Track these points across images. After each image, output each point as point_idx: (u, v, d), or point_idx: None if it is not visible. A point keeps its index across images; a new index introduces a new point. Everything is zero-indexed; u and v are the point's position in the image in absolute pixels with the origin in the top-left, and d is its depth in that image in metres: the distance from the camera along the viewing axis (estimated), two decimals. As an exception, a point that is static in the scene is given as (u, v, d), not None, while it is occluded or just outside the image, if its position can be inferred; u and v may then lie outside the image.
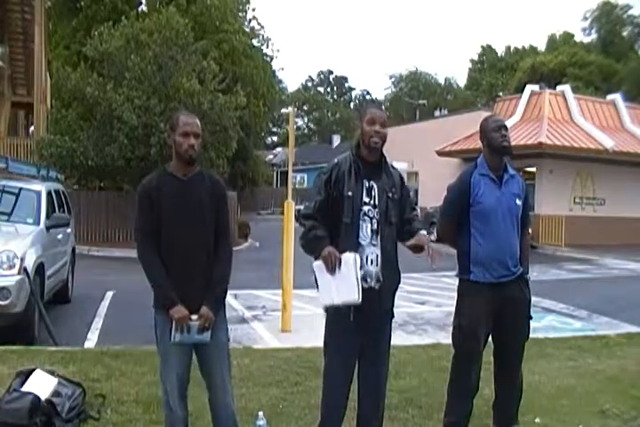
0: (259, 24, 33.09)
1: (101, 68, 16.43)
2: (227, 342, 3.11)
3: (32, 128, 24.07)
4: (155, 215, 2.93)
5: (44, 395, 3.59)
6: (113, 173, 16.68)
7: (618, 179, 21.28)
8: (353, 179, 3.07)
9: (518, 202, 3.58)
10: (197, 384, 3.13)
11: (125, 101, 15.11)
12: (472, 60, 65.67)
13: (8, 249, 5.89)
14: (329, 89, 79.05)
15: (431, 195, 18.83)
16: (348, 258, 2.91)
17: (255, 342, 6.35)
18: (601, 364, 5.57)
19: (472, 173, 3.58)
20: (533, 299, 3.70)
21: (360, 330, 3.03)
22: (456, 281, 3.68)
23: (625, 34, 50.84)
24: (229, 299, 3.10)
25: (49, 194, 7.71)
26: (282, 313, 7.01)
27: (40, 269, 6.42)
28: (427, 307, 8.93)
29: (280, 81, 51.49)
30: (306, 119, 74.83)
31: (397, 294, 3.20)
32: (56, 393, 3.71)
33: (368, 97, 76.69)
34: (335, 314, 3.03)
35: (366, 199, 3.07)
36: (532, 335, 3.70)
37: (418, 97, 60.73)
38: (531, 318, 3.63)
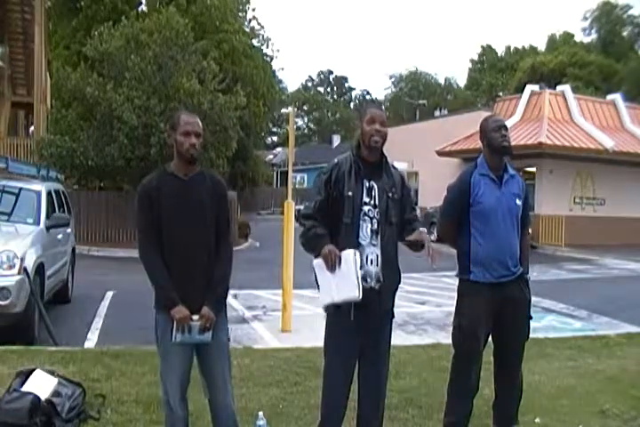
0: (259, 24, 33.15)
1: (101, 68, 16.43)
2: (228, 343, 3.10)
3: (32, 128, 24.07)
4: (155, 215, 2.93)
5: (44, 395, 3.59)
6: (113, 173, 16.69)
7: (618, 179, 21.27)
8: (353, 179, 3.07)
9: (518, 202, 3.58)
10: (197, 384, 3.13)
11: (125, 101, 15.12)
12: (472, 60, 65.73)
13: (8, 249, 5.89)
14: (329, 89, 79.07)
15: (431, 195, 18.82)
16: (348, 255, 2.91)
17: (255, 342, 6.35)
18: (601, 364, 5.57)
19: (472, 173, 3.58)
20: (533, 299, 3.70)
21: (360, 330, 3.03)
22: (456, 281, 3.68)
23: (625, 34, 50.85)
24: (229, 299, 3.10)
25: (49, 194, 7.71)
26: (282, 313, 7.01)
27: (40, 269, 6.42)
28: (427, 307, 8.93)
29: (280, 81, 51.55)
30: (306, 119, 74.85)
31: (397, 294, 3.20)
32: (56, 393, 3.71)
33: (368, 97, 76.72)
34: (335, 314, 3.03)
35: (366, 199, 3.07)
36: (532, 335, 3.70)
37: (418, 97, 60.73)
38: (531, 318, 3.63)
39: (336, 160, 3.17)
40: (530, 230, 3.92)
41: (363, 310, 2.99)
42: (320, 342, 3.21)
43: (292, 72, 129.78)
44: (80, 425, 3.72)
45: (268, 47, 32.56)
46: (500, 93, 49.35)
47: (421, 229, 3.11)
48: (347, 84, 78.93)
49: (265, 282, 9.99)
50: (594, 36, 52.39)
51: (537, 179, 20.68)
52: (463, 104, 52.39)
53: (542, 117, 21.30)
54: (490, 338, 3.60)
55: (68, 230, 8.58)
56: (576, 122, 21.67)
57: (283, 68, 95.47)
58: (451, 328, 3.67)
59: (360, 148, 3.14)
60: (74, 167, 16.08)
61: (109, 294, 9.15)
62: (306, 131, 74.49)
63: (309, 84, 77.77)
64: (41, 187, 7.74)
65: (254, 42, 29.81)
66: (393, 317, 3.20)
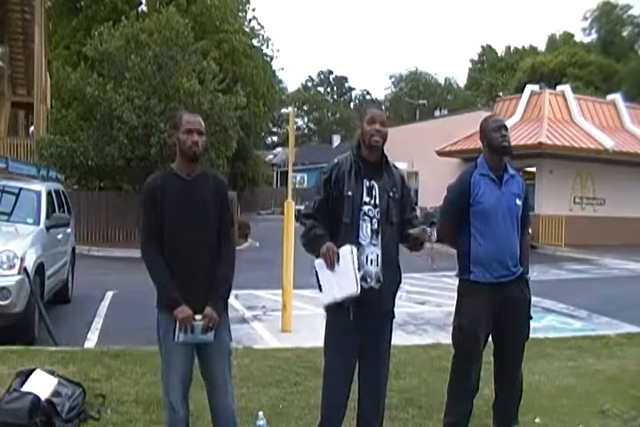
0: (259, 24, 33.11)
1: (101, 68, 16.43)
2: (229, 343, 3.11)
3: (32, 128, 24.06)
4: (158, 214, 2.93)
5: (44, 395, 3.59)
6: (113, 173, 16.69)
7: (618, 179, 21.27)
8: (353, 179, 3.07)
9: (518, 202, 3.58)
10: (197, 384, 3.13)
11: (125, 101, 15.12)
12: (472, 60, 65.73)
13: (8, 249, 5.89)
14: (329, 89, 79.08)
15: (431, 195, 18.79)
16: (345, 251, 2.91)
17: (255, 342, 6.35)
18: (601, 364, 5.57)
19: (472, 173, 3.58)
20: (533, 299, 3.70)
21: (360, 330, 3.03)
22: (456, 281, 3.67)
23: (625, 34, 50.84)
24: (230, 299, 3.10)
25: (49, 194, 7.72)
26: (282, 313, 7.01)
27: (40, 269, 6.42)
28: (427, 307, 8.93)
29: (280, 81, 51.51)
30: (306, 119, 74.85)
31: (397, 294, 3.19)
32: (56, 393, 3.71)
33: (368, 97, 76.73)
34: (335, 314, 3.03)
35: (367, 199, 3.07)
36: (532, 335, 3.70)
37: (418, 97, 60.73)
38: (531, 318, 3.63)
39: (336, 160, 3.17)
40: (530, 230, 3.92)
41: (363, 310, 2.99)
42: (320, 342, 3.21)
43: (292, 72, 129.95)
44: (80, 425, 3.72)
45: (267, 47, 32.57)
46: (500, 93, 49.36)
47: (428, 229, 3.11)
48: (347, 84, 78.99)
49: (265, 282, 9.99)
50: (594, 36, 52.46)
51: (537, 179, 20.68)
52: (463, 104, 52.40)
53: (542, 117, 21.30)
54: (490, 338, 3.60)
55: (68, 230, 8.58)
56: (576, 122, 21.67)
57: (283, 68, 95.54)
58: (451, 328, 3.67)
59: (360, 147, 3.14)
60: (74, 167, 16.08)
61: (109, 294, 9.15)
62: (306, 131, 74.49)
63: (309, 84, 77.82)
64: (41, 187, 7.74)
65: (254, 42, 29.80)
66: (393, 317, 3.20)
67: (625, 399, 4.46)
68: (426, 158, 23.95)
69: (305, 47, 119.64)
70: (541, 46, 57.12)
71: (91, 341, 6.41)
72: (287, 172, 7.64)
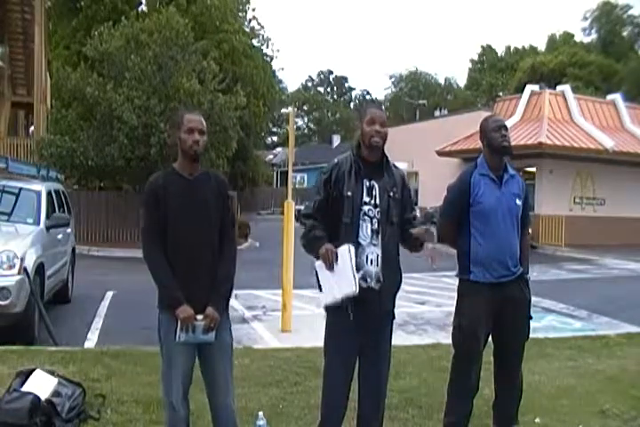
0: (259, 24, 33.12)
1: (101, 68, 16.43)
2: (231, 343, 3.11)
3: (32, 128, 24.06)
4: (160, 214, 2.93)
5: (44, 395, 3.59)
6: (113, 173, 16.70)
7: (618, 179, 21.27)
8: (353, 179, 3.06)
9: (518, 202, 3.58)
10: (197, 384, 3.13)
11: (125, 101, 15.12)
12: (472, 60, 65.74)
13: (8, 249, 5.89)
14: (329, 89, 79.08)
15: (431, 195, 18.82)
16: (343, 251, 2.91)
17: (255, 342, 6.35)
18: (601, 364, 5.57)
19: (472, 173, 3.58)
20: (533, 299, 3.70)
21: (360, 330, 3.03)
22: (456, 281, 3.67)
23: (625, 34, 50.84)
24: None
25: (49, 194, 7.72)
26: (282, 313, 7.01)
27: (40, 269, 6.42)
28: (427, 307, 8.93)
29: (280, 81, 51.53)
30: (306, 119, 74.85)
31: (397, 294, 3.19)
32: (56, 393, 3.71)
33: (368, 97, 76.74)
34: (335, 314, 3.03)
35: (367, 199, 3.06)
36: (532, 335, 3.70)
37: (418, 97, 60.73)
38: (531, 318, 3.63)
39: (336, 160, 3.17)
40: (530, 230, 3.92)
41: (362, 310, 2.99)
42: (320, 342, 3.21)
43: (292, 72, 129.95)
44: (80, 425, 3.72)
45: (267, 47, 32.59)
46: (500, 93, 49.35)
47: (430, 228, 3.11)
48: (347, 84, 78.99)
49: (265, 282, 9.99)
50: (594, 36, 52.46)
51: (537, 179, 20.68)
52: (463, 104, 52.40)
53: (542, 117, 21.30)
54: (490, 338, 3.60)
55: (68, 230, 8.58)
56: (576, 122, 21.67)
57: (283, 68, 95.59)
58: (451, 328, 3.67)
59: (360, 148, 3.14)
60: (74, 167, 16.08)
61: (109, 294, 9.15)
62: (306, 131, 74.49)
63: (309, 84, 77.82)
64: (41, 187, 7.74)
65: (254, 42, 29.81)
66: (394, 318, 3.20)
67: (625, 399, 4.46)
68: (426, 158, 23.95)
69: (305, 47, 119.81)
70: (541, 46, 57.23)
71: (91, 341, 6.41)
72: (287, 172, 7.64)
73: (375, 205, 3.06)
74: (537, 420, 4.03)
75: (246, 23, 29.79)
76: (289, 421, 3.94)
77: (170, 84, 15.73)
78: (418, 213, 3.34)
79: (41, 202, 7.33)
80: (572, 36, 54.44)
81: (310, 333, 6.10)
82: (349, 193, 3.04)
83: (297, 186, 39.85)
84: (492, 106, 26.30)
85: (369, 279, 3.01)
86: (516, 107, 22.59)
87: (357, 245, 3.00)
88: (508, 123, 16.87)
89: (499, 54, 63.05)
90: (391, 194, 3.10)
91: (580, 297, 9.84)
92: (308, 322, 6.70)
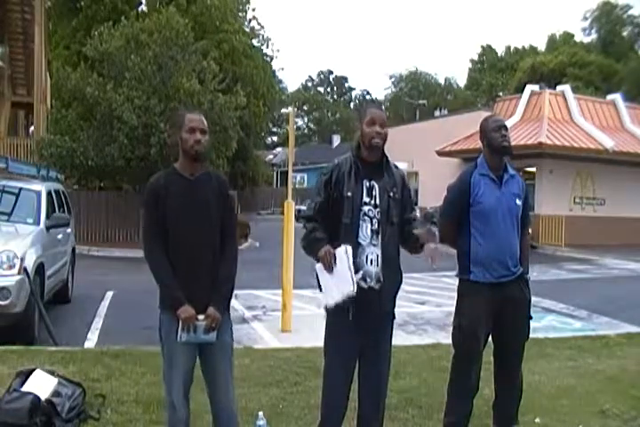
0: (259, 24, 33.15)
1: (101, 68, 16.43)
2: (232, 343, 3.11)
3: (32, 128, 24.07)
4: (161, 214, 2.93)
5: (44, 395, 3.59)
6: (113, 173, 16.69)
7: (618, 179, 21.27)
8: (353, 179, 3.06)
9: (518, 202, 3.58)
10: (198, 385, 3.13)
11: (125, 101, 15.12)
12: (472, 60, 65.74)
13: (8, 249, 5.89)
14: (329, 89, 79.08)
15: (431, 195, 18.80)
16: (341, 251, 2.91)
17: (255, 342, 6.35)
18: (601, 364, 5.57)
19: (472, 173, 3.59)
20: (533, 299, 3.70)
21: (360, 330, 3.03)
22: (456, 281, 3.68)
23: (625, 34, 50.85)
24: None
25: (49, 194, 7.72)
26: (282, 313, 7.01)
27: (40, 269, 6.42)
28: (427, 307, 8.93)
29: (280, 81, 51.53)
30: (306, 119, 74.86)
31: (398, 294, 3.19)
32: (56, 393, 3.71)
33: (368, 97, 76.74)
34: (335, 314, 3.03)
35: (367, 199, 3.06)
36: (532, 335, 3.70)
37: (418, 97, 60.73)
38: (531, 318, 3.63)
39: (336, 161, 3.17)
40: (530, 230, 3.93)
41: (362, 310, 2.99)
42: (320, 342, 3.21)
43: (292, 72, 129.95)
44: (80, 425, 3.72)
45: (267, 47, 32.60)
46: (500, 93, 49.36)
47: (433, 229, 3.10)
48: (347, 84, 79.00)
49: (265, 282, 9.98)
50: (594, 36, 52.47)
51: (537, 179, 20.68)
52: (463, 104, 52.40)
53: (542, 117, 21.30)
54: (490, 338, 3.60)
55: (68, 230, 8.58)
56: (576, 122, 21.67)
57: (283, 68, 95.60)
58: (451, 328, 3.67)
59: (360, 148, 3.14)
60: (74, 167, 16.08)
61: (109, 294, 9.15)
62: (306, 131, 74.50)
63: (309, 84, 77.83)
64: (41, 187, 7.75)
65: (254, 42, 29.82)
66: (394, 318, 3.20)
67: (625, 399, 4.46)
68: (426, 158, 23.95)
69: (305, 47, 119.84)
70: (541, 46, 57.23)
71: (91, 341, 6.41)
72: (287, 172, 7.64)
73: (375, 206, 3.06)
74: (537, 420, 4.03)
75: (246, 23, 29.83)
76: (289, 421, 3.94)
77: (170, 84, 15.73)
78: (418, 213, 3.34)
79: (41, 202, 7.33)
80: (572, 36, 54.47)
81: (310, 333, 6.10)
82: (349, 194, 3.04)
83: (297, 186, 39.88)
84: (492, 106, 26.30)
85: (369, 279, 3.01)
86: (516, 107, 22.59)
87: (357, 246, 3.00)
88: (508, 123, 16.86)
89: (499, 54, 63.07)
90: (391, 194, 3.10)
91: (580, 297, 9.84)
92: (308, 322, 6.70)
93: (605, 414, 4.17)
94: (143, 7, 25.24)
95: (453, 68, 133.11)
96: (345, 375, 3.09)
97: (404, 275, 3.18)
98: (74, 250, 9.12)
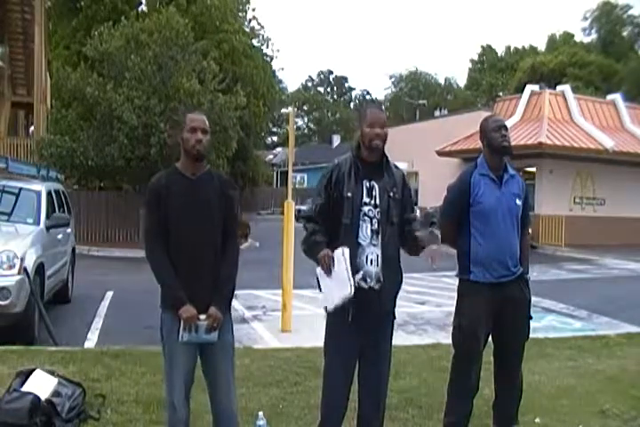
0: (259, 24, 33.05)
1: (101, 68, 16.42)
2: (233, 343, 3.11)
3: (32, 128, 24.07)
4: (162, 214, 2.93)
5: (44, 395, 3.59)
6: (113, 173, 16.69)
7: (618, 179, 21.27)
8: (353, 180, 3.07)
9: (518, 202, 3.58)
10: (198, 385, 3.13)
11: (125, 101, 15.12)
12: (472, 60, 65.71)
13: (8, 249, 5.89)
14: (329, 89, 79.07)
15: (431, 195, 18.82)
16: (338, 254, 2.91)
17: (255, 342, 6.35)
18: (601, 364, 5.57)
19: (472, 173, 3.59)
20: (533, 299, 3.70)
21: (360, 330, 3.03)
22: (456, 281, 3.68)
23: (625, 34, 50.84)
24: (230, 299, 3.11)
25: (49, 194, 7.72)
26: (282, 313, 7.01)
27: (40, 269, 6.42)
28: (427, 307, 8.93)
29: (280, 81, 51.44)
30: (306, 119, 74.84)
31: (398, 294, 3.19)
32: (56, 393, 3.71)
33: (368, 97, 76.71)
34: (335, 315, 3.02)
35: (366, 199, 3.06)
36: (532, 335, 3.70)
37: (418, 97, 60.72)
38: (531, 318, 3.64)
39: (337, 161, 3.17)
40: (530, 230, 3.93)
41: (363, 310, 2.99)
42: (320, 342, 3.21)
43: (292, 72, 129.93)
44: (80, 425, 3.72)
45: (267, 47, 32.49)
46: (500, 93, 49.35)
47: (436, 232, 3.11)
48: (347, 84, 78.97)
49: (265, 282, 9.98)
50: (594, 36, 52.46)
51: (537, 179, 20.68)
52: (463, 104, 52.39)
53: (542, 117, 21.30)
54: (490, 338, 3.60)
55: (68, 230, 8.58)
56: (576, 122, 21.67)
57: (283, 68, 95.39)
58: (451, 328, 3.67)
59: (360, 148, 3.14)
60: (74, 167, 16.08)
61: (109, 294, 9.15)
62: (306, 131, 74.48)
63: (309, 84, 77.81)
64: (41, 187, 7.75)
65: (254, 42, 29.75)
66: (394, 318, 3.20)
67: (625, 399, 4.46)
68: (426, 158, 23.95)
69: (305, 47, 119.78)
70: (541, 46, 57.21)
71: (91, 341, 6.41)
72: (287, 172, 7.64)
73: (375, 206, 3.06)
74: (537, 420, 4.03)
75: (246, 23, 29.76)
76: (289, 421, 3.94)
77: (170, 84, 15.73)
78: (418, 213, 3.34)
79: (41, 202, 7.33)
80: (572, 36, 54.47)
81: (310, 333, 6.10)
82: (349, 194, 3.04)
83: (297, 186, 39.91)
84: (492, 106, 26.30)
85: (369, 279, 3.01)
86: (516, 107, 22.59)
87: (357, 246, 3.01)
88: (508, 123, 16.86)
89: (499, 54, 63.05)
90: (391, 194, 3.10)
91: (580, 297, 9.84)
92: (308, 322, 6.70)
93: (605, 414, 4.17)
94: (143, 7, 25.20)
95: (453, 68, 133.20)
96: (345, 376, 3.09)
97: (404, 275, 3.18)
98: (74, 250, 9.12)
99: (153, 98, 15.39)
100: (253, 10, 52.28)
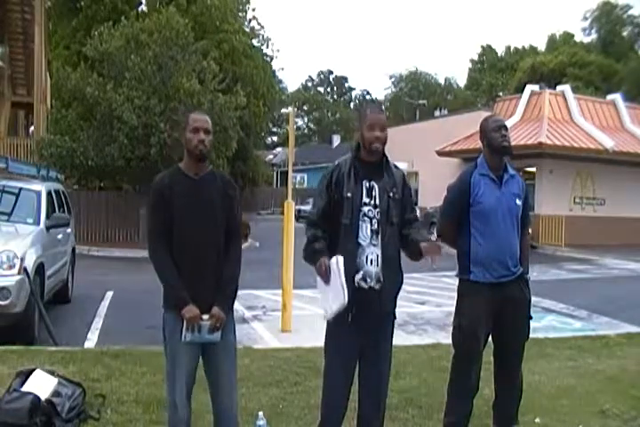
0: (259, 24, 33.05)
1: (101, 68, 16.43)
2: (235, 343, 3.11)
3: (32, 128, 24.07)
4: (166, 214, 2.94)
5: (44, 395, 3.59)
6: (113, 173, 16.70)
7: (618, 179, 21.27)
8: (352, 180, 3.07)
9: (518, 202, 3.58)
10: (198, 385, 3.13)
11: (125, 101, 15.12)
12: (472, 60, 65.70)
13: (8, 249, 5.89)
14: (329, 89, 79.06)
15: (431, 195, 18.82)
16: (332, 264, 2.91)
17: (255, 342, 6.35)
18: (601, 364, 5.57)
19: (472, 173, 3.59)
20: (533, 299, 3.70)
21: (360, 331, 3.03)
22: (456, 281, 3.68)
23: (625, 34, 50.83)
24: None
25: (49, 194, 7.72)
26: (282, 313, 7.01)
27: (40, 269, 6.42)
28: (427, 307, 8.93)
29: (280, 81, 51.44)
30: (306, 119, 74.84)
31: (399, 294, 3.19)
32: (56, 393, 3.71)
33: (368, 97, 76.71)
34: (335, 315, 3.03)
35: (366, 200, 3.06)
36: (532, 335, 3.70)
37: (418, 97, 60.71)
38: (531, 318, 3.64)
39: (337, 162, 3.18)
40: (530, 230, 3.93)
41: (363, 311, 2.99)
42: (320, 342, 3.21)
43: (292, 72, 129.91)
44: (80, 425, 3.72)
45: (267, 47, 32.51)
46: (500, 93, 49.34)
47: (439, 242, 3.10)
48: (347, 84, 78.97)
49: (265, 282, 9.98)
50: (594, 36, 52.45)
51: (537, 179, 20.68)
52: (463, 104, 52.39)
53: (542, 117, 21.30)
54: (490, 338, 3.60)
55: (68, 230, 8.58)
56: (576, 122, 21.67)
57: (283, 68, 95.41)
58: (451, 328, 3.67)
59: (360, 149, 3.14)
60: (74, 167, 16.08)
61: (109, 294, 9.15)
62: (306, 131, 74.48)
63: (309, 84, 77.80)
64: (41, 187, 7.75)
65: (254, 42, 29.76)
66: (395, 318, 3.20)
67: (625, 399, 4.47)
68: (426, 158, 23.95)
69: (305, 47, 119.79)
70: (541, 46, 57.21)
71: (91, 341, 6.41)
72: (287, 172, 7.64)
73: (375, 206, 3.06)
74: (537, 420, 4.03)
75: (246, 23, 29.76)
76: (289, 421, 3.94)
77: (170, 84, 15.73)
78: (418, 213, 3.34)
79: (41, 202, 7.33)
80: (572, 36, 54.46)
81: (310, 333, 6.10)
82: (349, 194, 3.04)
83: (297, 186, 39.92)
84: (492, 106, 26.30)
85: (369, 280, 3.01)
86: (516, 107, 22.59)
87: (357, 246, 3.01)
88: (508, 123, 16.87)
89: (499, 54, 63.04)
90: (391, 194, 3.10)
91: (580, 297, 9.84)
92: (308, 322, 6.70)
93: (605, 414, 4.17)
94: (143, 7, 25.20)
95: (453, 68, 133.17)
96: (345, 376, 3.09)
97: (404, 275, 3.18)
98: (74, 250, 9.12)
99: (153, 98, 15.39)
100: (253, 10, 52.32)
